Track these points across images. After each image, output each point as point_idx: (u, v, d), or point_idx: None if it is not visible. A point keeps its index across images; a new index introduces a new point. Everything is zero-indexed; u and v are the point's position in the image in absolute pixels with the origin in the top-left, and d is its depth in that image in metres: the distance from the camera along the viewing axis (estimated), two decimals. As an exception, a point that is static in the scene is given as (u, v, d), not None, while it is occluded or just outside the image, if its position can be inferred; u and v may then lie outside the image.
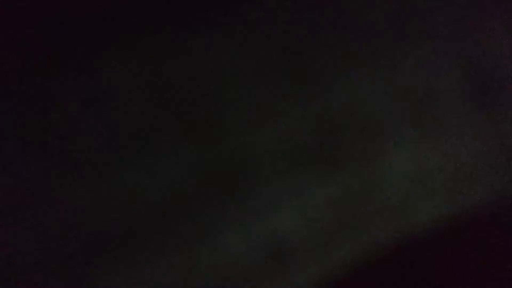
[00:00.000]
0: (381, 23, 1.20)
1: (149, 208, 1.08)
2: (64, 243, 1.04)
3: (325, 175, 1.18)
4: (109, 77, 1.08)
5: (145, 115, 1.09)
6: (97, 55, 1.07)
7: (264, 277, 1.16)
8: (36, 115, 1.05)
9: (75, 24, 1.08)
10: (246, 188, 1.13)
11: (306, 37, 1.18)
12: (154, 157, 1.08)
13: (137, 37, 1.09)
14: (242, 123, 1.13)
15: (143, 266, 1.07)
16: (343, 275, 1.22)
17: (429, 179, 1.24)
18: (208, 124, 1.12)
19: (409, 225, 1.25)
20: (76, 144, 1.06)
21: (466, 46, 1.25)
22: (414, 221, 1.24)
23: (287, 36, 1.16)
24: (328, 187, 1.18)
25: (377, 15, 1.20)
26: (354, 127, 1.20)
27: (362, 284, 1.22)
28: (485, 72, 1.27)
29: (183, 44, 1.12)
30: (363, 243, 1.23)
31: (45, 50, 1.06)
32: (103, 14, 1.09)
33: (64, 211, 1.05)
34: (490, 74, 1.27)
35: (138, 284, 1.08)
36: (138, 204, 1.07)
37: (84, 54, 1.07)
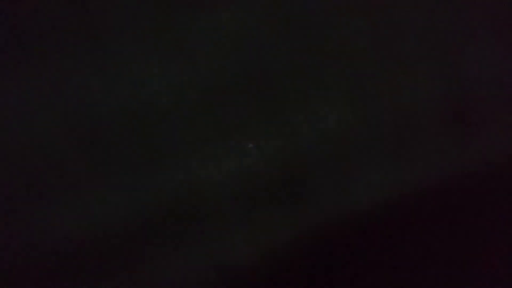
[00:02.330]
0: (356, 48, 1.19)
1: (107, 230, 1.12)
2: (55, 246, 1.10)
3: (289, 211, 1.16)
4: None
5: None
6: None
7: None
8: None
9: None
10: (201, 219, 1.13)
11: (273, 67, 1.16)
12: (111, 187, 1.10)
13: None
14: (200, 155, 1.12)
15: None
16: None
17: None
18: (165, 156, 1.12)
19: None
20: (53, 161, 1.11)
21: (441, 73, 1.24)
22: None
23: (252, 66, 1.14)
24: (292, 224, 1.17)
25: (351, 41, 1.18)
26: (321, 160, 1.18)
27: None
28: (457, 99, 1.26)
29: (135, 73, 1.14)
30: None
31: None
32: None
33: (47, 219, 1.11)
34: (463, 100, 1.26)
35: None
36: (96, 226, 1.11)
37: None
